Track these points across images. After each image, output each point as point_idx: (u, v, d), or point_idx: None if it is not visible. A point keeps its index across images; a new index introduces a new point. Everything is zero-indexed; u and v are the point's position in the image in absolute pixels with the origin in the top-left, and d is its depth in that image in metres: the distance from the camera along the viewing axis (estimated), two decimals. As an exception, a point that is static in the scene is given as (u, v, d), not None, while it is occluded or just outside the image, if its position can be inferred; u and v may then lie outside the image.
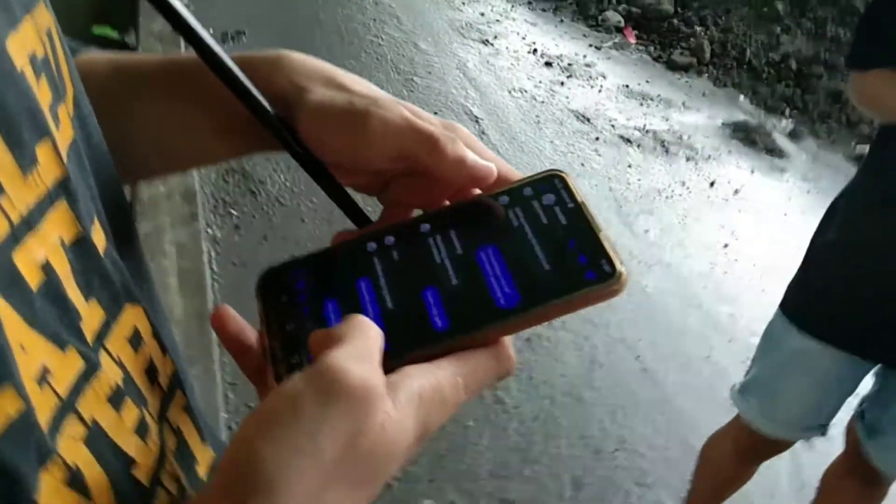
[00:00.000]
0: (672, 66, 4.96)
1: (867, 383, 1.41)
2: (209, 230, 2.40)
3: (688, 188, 3.52)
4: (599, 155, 3.64)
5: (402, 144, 0.39)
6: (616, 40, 5.16)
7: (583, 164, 3.50)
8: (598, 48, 4.98)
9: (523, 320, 0.34)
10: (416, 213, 0.42)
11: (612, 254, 0.35)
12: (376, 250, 0.38)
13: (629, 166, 3.60)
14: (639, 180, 3.49)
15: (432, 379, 0.32)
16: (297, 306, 0.37)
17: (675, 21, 5.31)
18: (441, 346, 0.34)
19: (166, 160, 0.49)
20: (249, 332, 0.37)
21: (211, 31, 0.38)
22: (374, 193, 0.44)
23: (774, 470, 2.09)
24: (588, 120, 3.95)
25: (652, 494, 1.99)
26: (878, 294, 1.24)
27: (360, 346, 0.30)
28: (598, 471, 2.01)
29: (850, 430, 1.48)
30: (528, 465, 1.97)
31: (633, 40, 5.25)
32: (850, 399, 1.42)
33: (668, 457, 2.09)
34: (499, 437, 2.03)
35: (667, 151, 3.85)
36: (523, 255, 0.36)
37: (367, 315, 0.33)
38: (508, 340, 0.35)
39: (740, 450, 1.52)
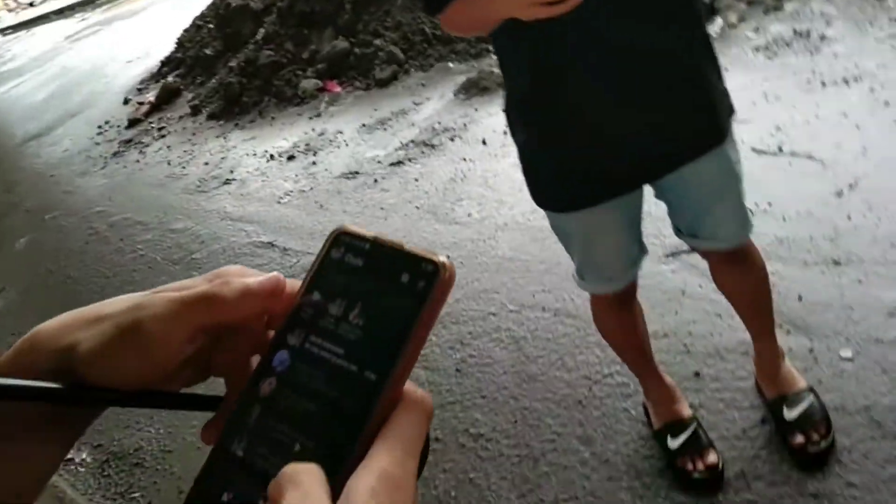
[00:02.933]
0: (382, 84, 5.20)
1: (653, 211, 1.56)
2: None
3: (471, 160, 3.69)
4: (387, 191, 3.73)
5: (186, 324, 0.38)
6: (326, 100, 5.32)
7: (382, 209, 3.57)
8: (319, 116, 5.11)
9: (401, 366, 0.35)
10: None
11: (424, 255, 0.36)
12: (251, 430, 0.37)
13: (416, 180, 3.72)
14: (432, 184, 3.61)
15: (374, 471, 0.32)
16: None
17: (357, 50, 5.57)
18: (360, 444, 0.34)
19: (16, 493, 0.45)
20: None
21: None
22: (209, 375, 0.43)
23: (649, 294, 2.24)
24: (357, 173, 4.04)
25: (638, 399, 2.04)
26: (577, 147, 1.37)
27: (297, 497, 0.30)
28: (592, 415, 2.04)
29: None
30: (540, 461, 1.96)
31: (339, 89, 5.44)
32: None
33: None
34: (502, 464, 2.01)
35: (433, 147, 4.02)
36: (360, 316, 0.37)
37: None
38: (408, 385, 0.35)
39: (609, 307, 1.68)
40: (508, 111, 1.45)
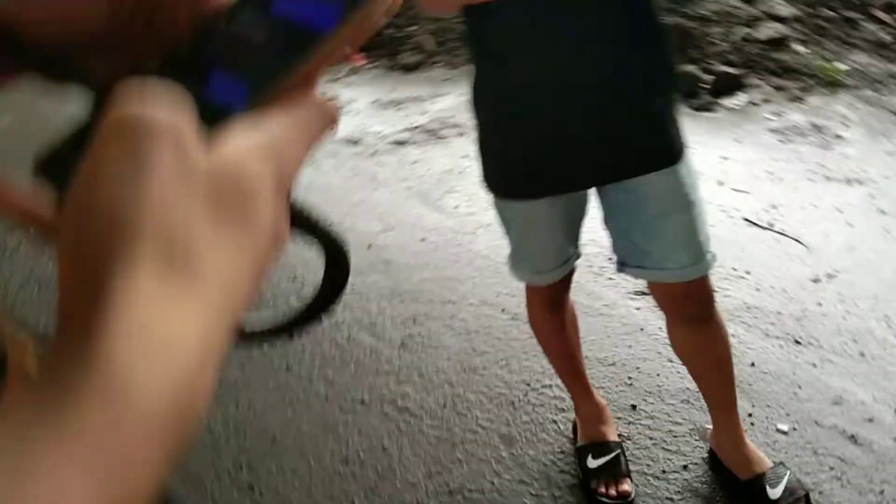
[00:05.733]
0: (407, 69, 5.19)
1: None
2: None
3: (472, 159, 3.67)
4: (383, 166, 3.70)
5: None
6: (349, 68, 5.30)
7: (374, 179, 3.54)
8: (337, 80, 5.08)
9: (323, 47, 0.32)
10: None
11: None
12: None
13: (414, 163, 3.70)
14: (429, 170, 3.59)
15: (258, 135, 0.29)
16: None
17: (391, 29, 5.57)
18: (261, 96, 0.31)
19: None
20: None
21: None
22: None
23: (609, 323, 2.22)
24: (358, 142, 4.01)
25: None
26: (521, 138, 1.41)
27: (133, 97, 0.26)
28: (521, 419, 2.01)
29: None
30: (457, 448, 1.93)
31: (363, 62, 5.42)
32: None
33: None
34: (418, 442, 1.97)
35: (439, 138, 4.00)
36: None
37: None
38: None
39: (541, 303, 1.70)
40: (471, 89, 1.49)
